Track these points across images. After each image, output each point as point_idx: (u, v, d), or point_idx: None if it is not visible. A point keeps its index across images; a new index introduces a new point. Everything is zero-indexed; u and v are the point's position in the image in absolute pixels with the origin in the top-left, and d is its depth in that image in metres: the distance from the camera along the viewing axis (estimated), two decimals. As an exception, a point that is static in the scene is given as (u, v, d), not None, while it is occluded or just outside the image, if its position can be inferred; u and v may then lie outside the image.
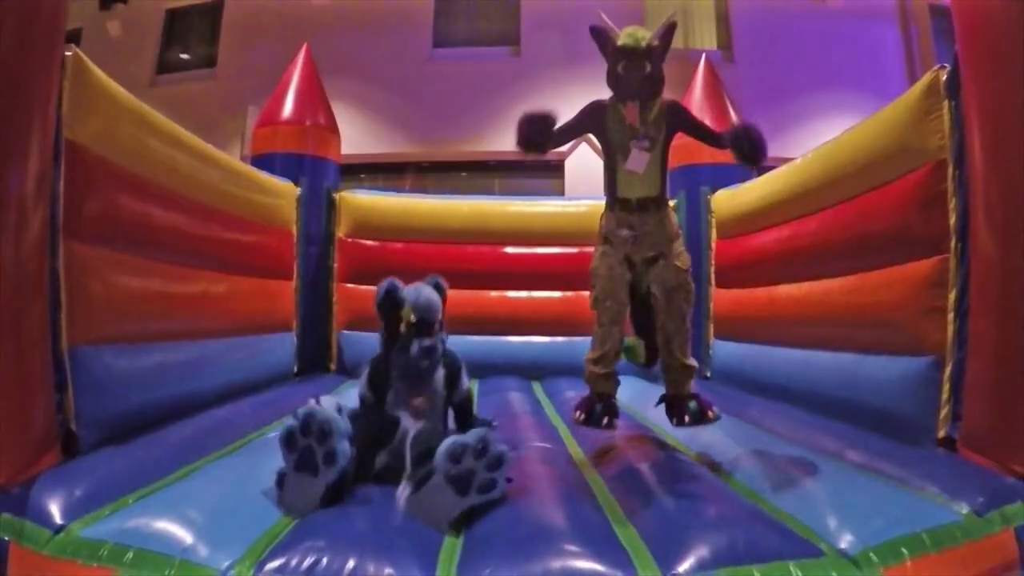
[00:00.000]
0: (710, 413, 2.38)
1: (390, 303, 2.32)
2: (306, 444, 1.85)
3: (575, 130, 2.37)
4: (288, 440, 1.86)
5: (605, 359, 2.23)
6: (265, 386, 3.68)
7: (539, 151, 2.27)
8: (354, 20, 10.75)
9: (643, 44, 2.15)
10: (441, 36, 11.01)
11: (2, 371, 1.86)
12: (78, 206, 2.26)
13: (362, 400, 2.44)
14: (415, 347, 2.26)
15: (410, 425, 2.18)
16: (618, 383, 2.42)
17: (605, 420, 2.30)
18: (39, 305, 2.03)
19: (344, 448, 1.88)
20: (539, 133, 2.26)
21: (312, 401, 1.98)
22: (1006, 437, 2.04)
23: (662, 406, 2.52)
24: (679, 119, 2.36)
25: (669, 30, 2.22)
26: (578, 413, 2.32)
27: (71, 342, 2.21)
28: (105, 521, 1.71)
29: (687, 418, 2.39)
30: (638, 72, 2.13)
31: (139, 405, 2.55)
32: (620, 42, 2.15)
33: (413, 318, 2.28)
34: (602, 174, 2.41)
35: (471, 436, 1.83)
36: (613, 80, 2.20)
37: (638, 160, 2.23)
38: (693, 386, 2.45)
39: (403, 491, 1.87)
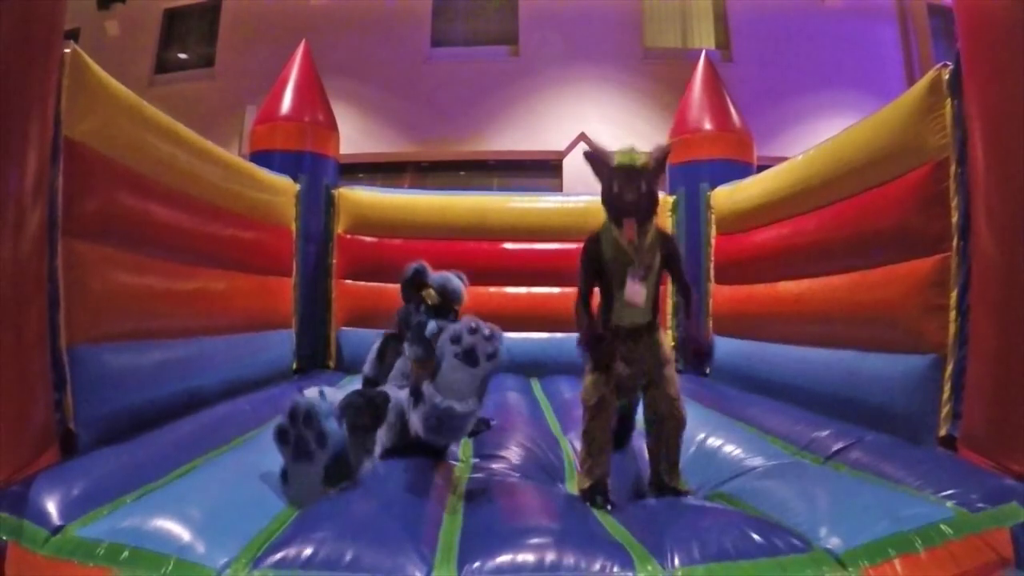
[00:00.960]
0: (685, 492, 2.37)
1: (416, 283, 2.43)
2: (297, 434, 1.91)
3: (592, 275, 2.36)
4: (280, 435, 1.93)
5: (598, 485, 2.23)
6: (264, 383, 3.68)
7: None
8: (352, 20, 10.75)
9: (639, 164, 2.17)
10: (439, 35, 11.01)
11: (1, 370, 1.84)
12: (77, 204, 2.25)
13: (365, 379, 2.51)
14: (432, 325, 2.35)
15: (402, 395, 2.25)
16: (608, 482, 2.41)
17: (609, 508, 2.30)
18: (38, 303, 2.03)
19: (332, 427, 1.95)
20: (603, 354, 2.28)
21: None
22: (1005, 436, 2.05)
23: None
24: (670, 252, 2.36)
25: (664, 153, 2.24)
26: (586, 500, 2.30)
27: (70, 340, 2.21)
28: (102, 520, 1.70)
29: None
30: (633, 191, 2.14)
31: (138, 403, 2.54)
32: (616, 162, 2.16)
33: (436, 299, 2.39)
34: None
35: (462, 323, 2.02)
36: (608, 199, 2.20)
37: (635, 291, 2.24)
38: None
39: (426, 389, 2.03)
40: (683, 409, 2.29)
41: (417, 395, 2.10)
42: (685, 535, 1.65)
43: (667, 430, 2.28)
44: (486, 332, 2.02)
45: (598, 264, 2.27)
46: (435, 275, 2.55)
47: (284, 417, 1.94)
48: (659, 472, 2.28)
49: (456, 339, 2.01)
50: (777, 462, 2.40)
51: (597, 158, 2.21)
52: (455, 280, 2.56)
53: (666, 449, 2.28)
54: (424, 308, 2.45)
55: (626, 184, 2.13)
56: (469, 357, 2.00)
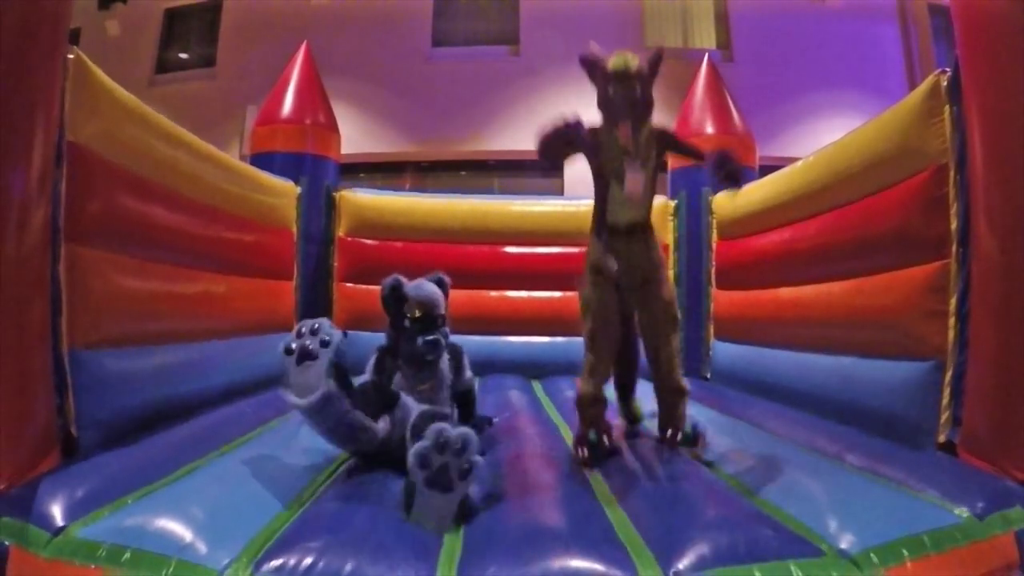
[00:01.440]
0: (700, 441, 2.38)
1: (395, 299, 2.42)
2: (301, 343, 1.97)
3: (570, 143, 2.38)
4: (286, 350, 1.99)
5: (598, 388, 2.24)
6: (265, 386, 3.67)
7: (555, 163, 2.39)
8: (353, 19, 10.76)
9: (633, 68, 2.19)
10: (440, 35, 11.04)
11: (2, 373, 1.85)
12: (79, 207, 2.25)
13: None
14: (419, 341, 2.34)
15: (412, 408, 2.24)
16: (606, 405, 2.44)
17: (607, 444, 2.31)
18: (40, 307, 2.03)
19: (336, 333, 2.00)
20: (555, 153, 2.34)
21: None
22: (1006, 441, 2.05)
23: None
24: (668, 142, 2.40)
25: (657, 58, 2.27)
26: (579, 452, 2.32)
27: (71, 344, 2.21)
28: (104, 521, 1.70)
29: (678, 438, 2.40)
30: (629, 94, 2.18)
31: (139, 406, 2.55)
32: (611, 66, 2.20)
33: (417, 313, 2.37)
34: None
35: (428, 436, 1.83)
36: (604, 103, 2.24)
37: (635, 181, 2.26)
38: (688, 409, 2.47)
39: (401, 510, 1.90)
40: (678, 311, 2.33)
41: (417, 434, 2.06)
42: (695, 536, 1.64)
43: (666, 330, 2.29)
44: (456, 444, 1.81)
45: (587, 148, 2.31)
46: (410, 285, 2.52)
47: (291, 337, 2.01)
48: (663, 376, 2.29)
49: (424, 463, 1.80)
50: (780, 448, 2.42)
51: (591, 63, 2.23)
52: (428, 287, 2.51)
53: (664, 349, 2.29)
54: (409, 322, 2.44)
55: (620, 89, 2.18)
56: (441, 481, 1.80)
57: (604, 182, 2.34)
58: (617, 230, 2.31)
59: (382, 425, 2.18)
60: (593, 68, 2.25)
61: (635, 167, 2.27)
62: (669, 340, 2.34)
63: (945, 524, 1.71)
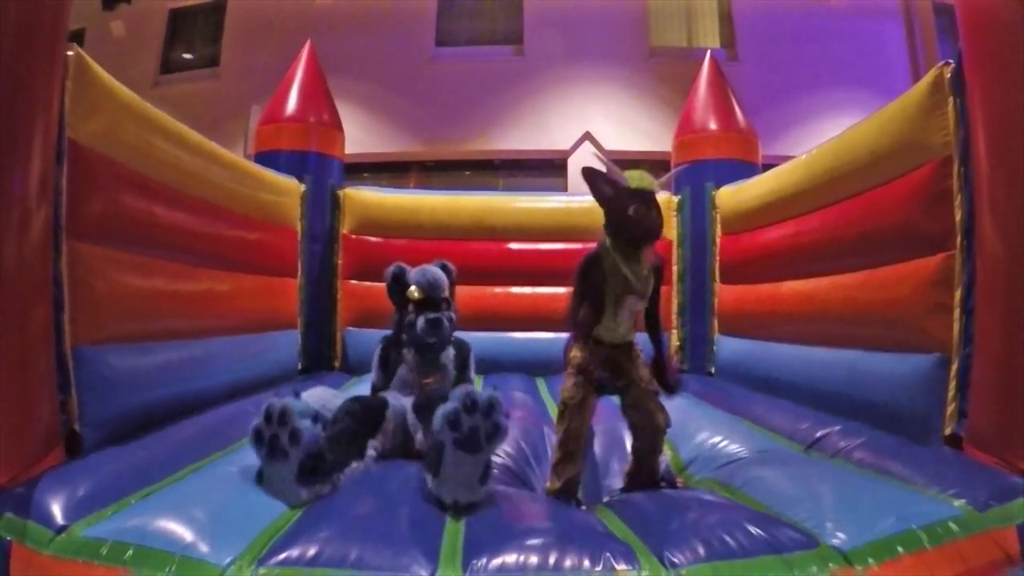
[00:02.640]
0: (676, 483, 2.36)
1: (398, 285, 2.42)
2: (271, 433, 1.88)
3: (586, 296, 2.30)
4: (256, 436, 1.90)
5: (569, 485, 2.20)
6: (269, 384, 3.68)
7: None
8: (357, 19, 10.78)
9: (656, 187, 2.10)
10: (444, 35, 11.04)
11: (5, 371, 1.85)
12: (81, 205, 2.26)
13: (374, 388, 2.49)
14: (420, 321, 2.32)
15: (407, 403, 2.22)
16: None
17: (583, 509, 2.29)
18: (42, 305, 2.03)
19: (306, 425, 1.91)
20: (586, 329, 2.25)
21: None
22: (1011, 435, 2.03)
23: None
24: (658, 279, 2.33)
25: (669, 179, 2.18)
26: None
27: (74, 342, 2.21)
28: (107, 520, 1.71)
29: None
30: (651, 214, 2.08)
31: (143, 404, 2.55)
32: (635, 184, 2.08)
33: (419, 295, 2.36)
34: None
35: (456, 398, 1.84)
36: (623, 223, 2.10)
37: (636, 307, 2.23)
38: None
39: (427, 480, 1.89)
40: (660, 418, 2.26)
41: (422, 414, 2.04)
42: (689, 533, 1.65)
43: (648, 436, 2.25)
44: (484, 406, 1.83)
45: (594, 288, 2.19)
46: (413, 272, 2.51)
47: (259, 418, 1.90)
48: (639, 468, 2.27)
49: (454, 424, 1.82)
50: (781, 455, 2.41)
51: (608, 180, 2.11)
52: (432, 270, 2.50)
53: (648, 453, 2.27)
54: (413, 307, 2.43)
55: (644, 208, 2.07)
56: (470, 443, 1.82)
57: (599, 301, 2.26)
58: (602, 344, 2.26)
59: (371, 453, 2.17)
60: (606, 184, 2.10)
61: (638, 294, 2.21)
62: (654, 445, 2.30)
63: (942, 517, 1.71)
